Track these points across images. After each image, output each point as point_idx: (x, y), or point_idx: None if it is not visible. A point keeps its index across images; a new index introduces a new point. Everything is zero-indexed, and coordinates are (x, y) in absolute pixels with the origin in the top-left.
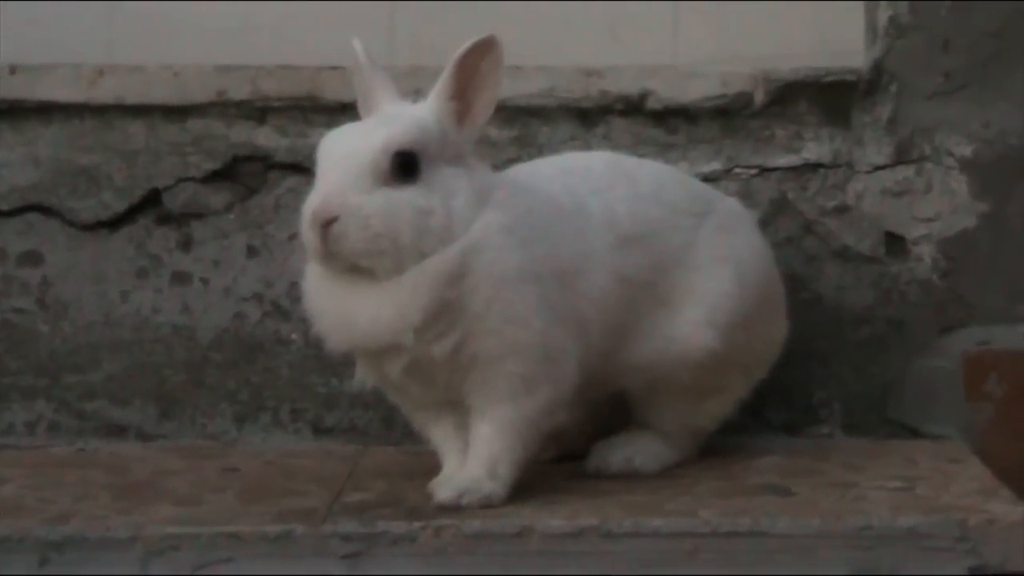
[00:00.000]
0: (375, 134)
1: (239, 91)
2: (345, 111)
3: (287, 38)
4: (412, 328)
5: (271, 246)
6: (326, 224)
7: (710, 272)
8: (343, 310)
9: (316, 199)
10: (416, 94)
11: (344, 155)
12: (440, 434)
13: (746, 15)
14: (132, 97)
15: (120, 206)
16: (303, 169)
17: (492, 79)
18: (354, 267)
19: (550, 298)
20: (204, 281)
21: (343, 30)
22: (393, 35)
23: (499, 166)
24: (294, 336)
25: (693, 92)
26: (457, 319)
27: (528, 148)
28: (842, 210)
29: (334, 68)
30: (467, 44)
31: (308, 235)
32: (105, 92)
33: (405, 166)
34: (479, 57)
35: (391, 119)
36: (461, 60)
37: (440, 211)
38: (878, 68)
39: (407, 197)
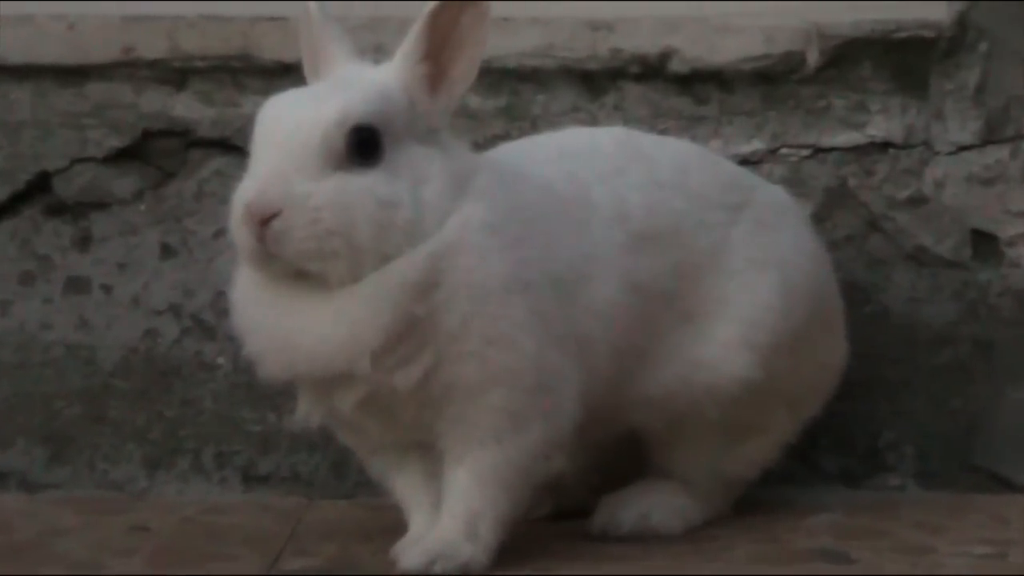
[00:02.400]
0: (327, 104)
1: (152, 48)
2: (287, 74)
3: None
4: (370, 351)
5: (192, 245)
6: (264, 219)
7: (747, 280)
8: (283, 327)
9: (252, 187)
10: (377, 53)
11: (288, 131)
12: (405, 484)
13: None
14: (16, 55)
15: (0, 193)
16: (233, 147)
17: (475, 34)
18: (299, 273)
19: (544, 312)
20: (106, 289)
21: None
22: None
23: (481, 145)
24: (220, 360)
25: (728, 51)
26: (427, 340)
27: (519, 122)
28: (917, 202)
29: (273, 20)
30: None
31: (241, 232)
32: None
33: (364, 145)
34: (459, 7)
35: (346, 85)
36: (436, 11)
37: (407, 202)
38: (963, 22)
39: (366, 184)
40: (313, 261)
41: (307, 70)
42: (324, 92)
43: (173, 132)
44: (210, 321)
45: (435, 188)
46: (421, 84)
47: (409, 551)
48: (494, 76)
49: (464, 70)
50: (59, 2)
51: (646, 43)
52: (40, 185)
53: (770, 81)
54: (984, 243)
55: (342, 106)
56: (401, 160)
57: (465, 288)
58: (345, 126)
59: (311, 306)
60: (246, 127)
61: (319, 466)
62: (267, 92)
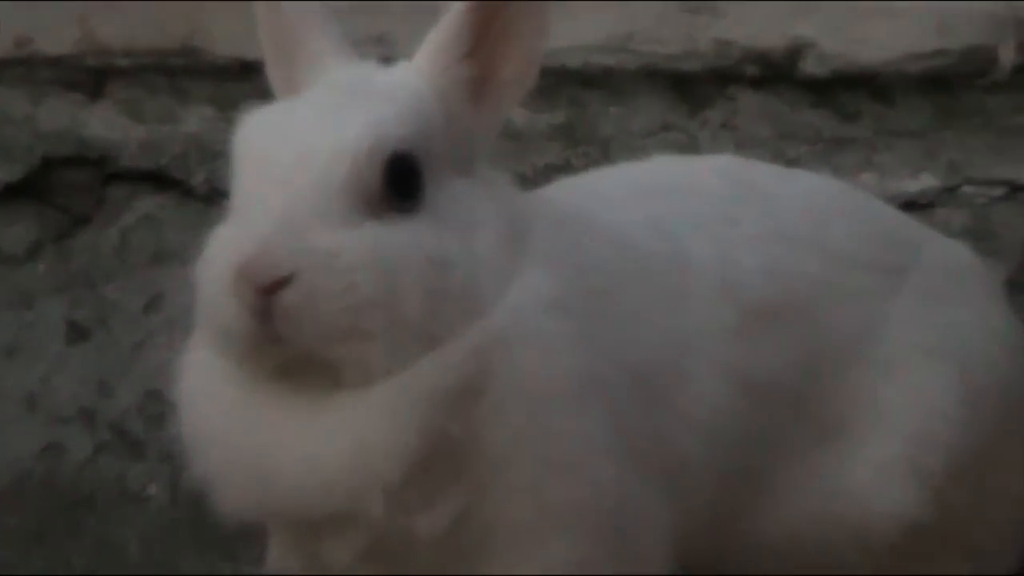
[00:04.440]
0: (352, 123)
1: (56, 37)
2: (249, 76)
3: None
4: (383, 486)
5: (111, 323)
6: (271, 287)
7: (912, 376)
8: (256, 443)
9: (247, 241)
10: (380, 47)
11: (297, 161)
12: None
13: None
14: None
15: None
16: (170, 181)
17: (532, 22)
18: (302, 364)
19: (625, 425)
20: None
21: None
22: None
23: (530, 179)
24: (151, 488)
25: (885, 45)
26: (463, 469)
27: (583, 146)
28: None
29: None
30: None
31: (228, 307)
32: None
33: (404, 180)
34: None
35: (366, 95)
36: None
37: (461, 260)
38: None
39: (411, 236)
40: (338, 346)
41: (273, 73)
42: (341, 105)
43: (85, 159)
44: (137, 432)
45: (488, 240)
46: (462, 93)
47: None
48: (548, 80)
49: (518, 71)
50: None
51: (767, 33)
52: None
53: (946, 89)
54: None
55: (374, 126)
56: (444, 201)
57: (520, 395)
58: (381, 155)
59: (300, 414)
60: (189, 153)
61: None
62: (220, 102)
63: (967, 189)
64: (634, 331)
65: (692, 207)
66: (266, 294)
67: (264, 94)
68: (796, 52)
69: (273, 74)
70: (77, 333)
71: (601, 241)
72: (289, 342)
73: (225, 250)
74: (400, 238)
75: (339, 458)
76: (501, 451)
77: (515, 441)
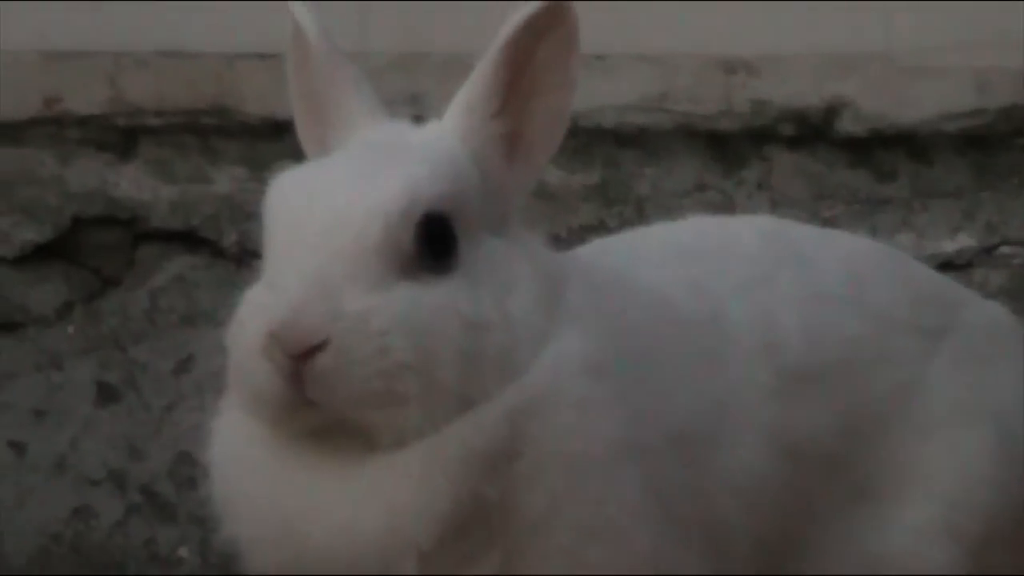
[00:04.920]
0: (384, 183)
1: (86, 96)
2: (281, 135)
3: (176, 8)
4: (417, 549)
5: (141, 385)
6: (304, 352)
7: (951, 438)
8: (288, 506)
9: (280, 304)
10: (413, 106)
11: (328, 221)
12: None
13: None
14: None
15: None
16: (201, 241)
17: (562, 74)
18: (334, 427)
19: (663, 489)
20: (17, 448)
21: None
22: (367, 9)
23: (564, 240)
24: (183, 551)
25: (923, 103)
26: (498, 533)
27: (618, 206)
28: None
29: (260, 57)
30: (519, 14)
31: (260, 371)
32: None
33: (438, 241)
34: (538, 35)
35: (399, 155)
36: (511, 42)
37: (497, 322)
38: None
39: (446, 297)
40: (372, 409)
41: (304, 133)
42: (374, 165)
43: (115, 220)
44: (167, 495)
45: (524, 301)
46: (494, 151)
47: None
48: (582, 140)
49: (548, 127)
50: None
51: (804, 91)
52: None
53: (985, 147)
54: None
55: (408, 186)
56: (478, 260)
57: (557, 459)
58: (414, 215)
59: (333, 478)
60: (220, 213)
61: None
62: (252, 162)
63: (1005, 249)
64: (672, 394)
65: (730, 268)
66: (299, 360)
67: (296, 154)
68: (833, 111)
69: (304, 133)
70: (107, 395)
71: (638, 303)
72: (322, 406)
73: (258, 314)
74: (434, 300)
75: (372, 522)
76: (537, 515)
77: (551, 506)
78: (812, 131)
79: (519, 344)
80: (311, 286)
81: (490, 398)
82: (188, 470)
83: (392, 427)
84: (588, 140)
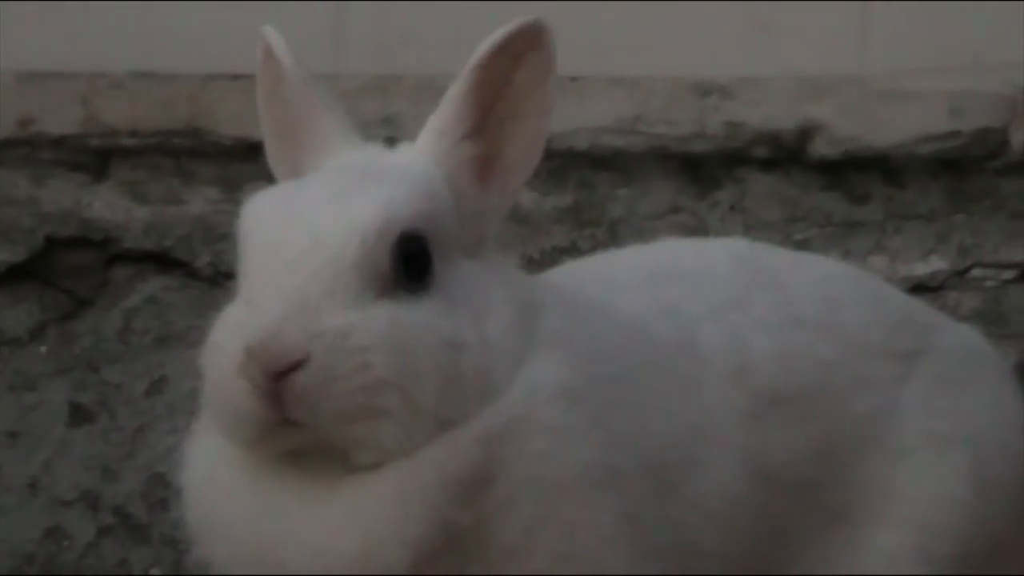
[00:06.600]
0: (361, 203)
1: (60, 117)
2: (255, 156)
3: (150, 30)
4: (393, 572)
5: (115, 406)
6: (282, 370)
7: (924, 462)
8: (263, 529)
9: (257, 322)
10: (386, 128)
11: (305, 241)
12: None
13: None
14: None
15: None
16: (175, 262)
17: (538, 98)
18: (311, 448)
19: (637, 514)
20: None
21: (245, 22)
22: (341, 31)
23: (537, 262)
24: (155, 572)
25: (895, 127)
26: (472, 558)
27: (591, 228)
28: None
29: (234, 78)
30: (494, 36)
31: (237, 391)
32: None
33: (414, 260)
34: (514, 58)
35: (375, 176)
36: (486, 63)
37: (474, 343)
38: None
39: (424, 316)
40: (352, 427)
41: (275, 156)
42: (350, 186)
43: (88, 241)
44: (140, 516)
45: (499, 324)
46: (469, 173)
47: None
48: (556, 162)
49: (523, 150)
50: None
51: (778, 114)
52: None
53: (958, 171)
54: None
55: (384, 206)
56: (453, 282)
57: (533, 483)
58: (391, 234)
59: (308, 501)
60: (193, 234)
61: None
62: (226, 183)
63: (977, 272)
64: (646, 419)
65: (703, 292)
66: (277, 379)
67: (269, 175)
68: (806, 134)
69: (274, 157)
70: (80, 416)
71: (612, 328)
72: (300, 425)
73: (235, 333)
74: (413, 318)
75: (348, 547)
76: (512, 541)
77: (526, 531)
78: (786, 154)
79: (495, 366)
80: (289, 304)
81: (467, 419)
82: (161, 492)
83: (371, 444)
84: (561, 162)
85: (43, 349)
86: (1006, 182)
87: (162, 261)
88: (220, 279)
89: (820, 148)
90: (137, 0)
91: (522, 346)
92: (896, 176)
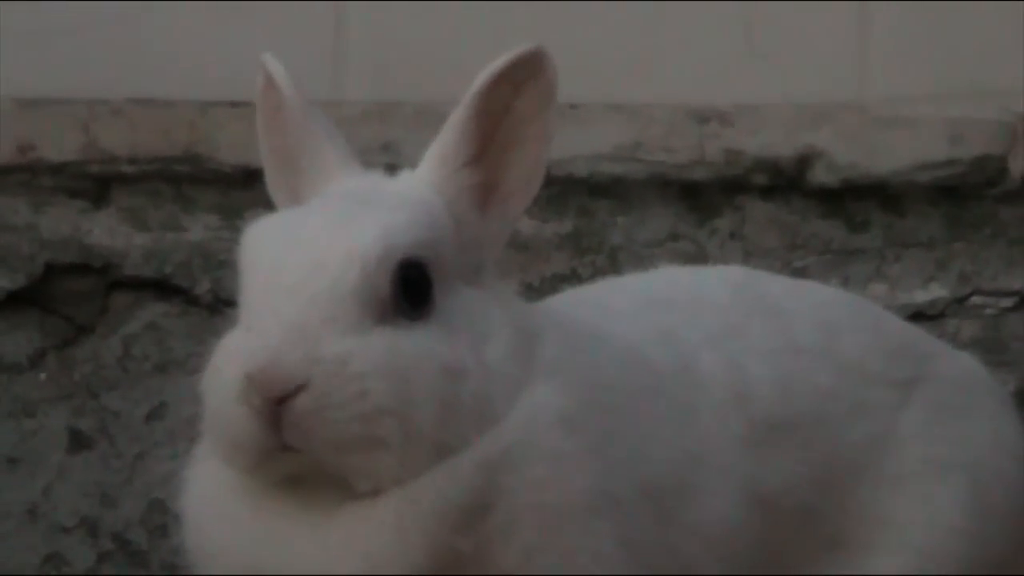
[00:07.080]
0: (361, 229)
1: (59, 144)
2: (255, 183)
3: (150, 57)
4: None
5: (114, 432)
6: (282, 396)
7: (922, 489)
8: (262, 555)
9: (257, 348)
10: (386, 155)
11: (305, 267)
12: None
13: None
14: None
15: None
16: (175, 290)
17: (539, 125)
18: (310, 473)
19: (636, 540)
20: None
21: (247, 48)
22: (341, 58)
23: (537, 289)
24: None
25: (894, 154)
26: None
27: (590, 255)
28: None
29: (234, 105)
30: (495, 64)
31: (237, 416)
32: None
33: (414, 287)
34: (515, 85)
35: (375, 203)
36: (485, 91)
37: (473, 369)
38: None
39: (423, 343)
40: (351, 454)
41: (275, 183)
42: (350, 212)
43: (88, 267)
44: (139, 543)
45: (499, 351)
46: (469, 200)
47: None
48: (555, 189)
49: (523, 177)
50: None
51: (777, 141)
52: None
53: (957, 198)
54: None
55: (384, 232)
56: (453, 309)
57: (532, 511)
58: (391, 261)
59: (308, 527)
60: (193, 261)
61: None
62: (226, 210)
63: (977, 299)
64: (644, 447)
65: (701, 319)
66: (276, 404)
67: (269, 202)
68: (805, 161)
69: (274, 184)
70: (79, 442)
71: (611, 355)
72: (300, 451)
73: (235, 358)
74: (412, 345)
75: (348, 573)
76: (511, 567)
77: (525, 558)
78: (785, 181)
79: (495, 393)
80: (289, 330)
81: (466, 446)
82: (160, 518)
83: (369, 472)
84: (561, 189)
85: (43, 375)
86: (1005, 209)
87: (162, 288)
88: (220, 306)
89: (819, 175)
90: (137, 27)
91: (521, 373)
92: (895, 203)
